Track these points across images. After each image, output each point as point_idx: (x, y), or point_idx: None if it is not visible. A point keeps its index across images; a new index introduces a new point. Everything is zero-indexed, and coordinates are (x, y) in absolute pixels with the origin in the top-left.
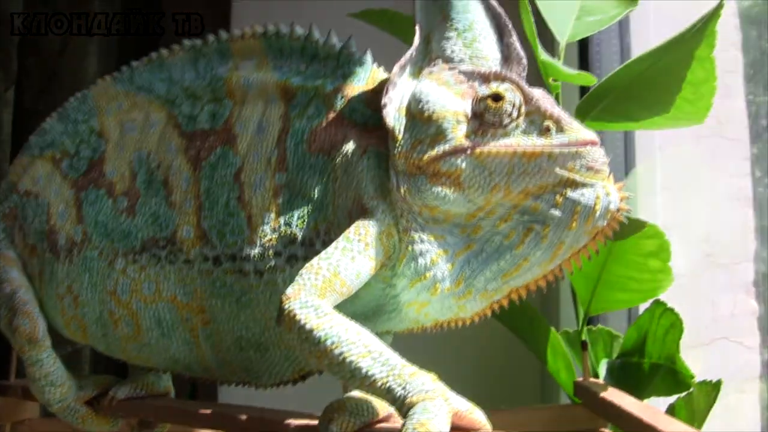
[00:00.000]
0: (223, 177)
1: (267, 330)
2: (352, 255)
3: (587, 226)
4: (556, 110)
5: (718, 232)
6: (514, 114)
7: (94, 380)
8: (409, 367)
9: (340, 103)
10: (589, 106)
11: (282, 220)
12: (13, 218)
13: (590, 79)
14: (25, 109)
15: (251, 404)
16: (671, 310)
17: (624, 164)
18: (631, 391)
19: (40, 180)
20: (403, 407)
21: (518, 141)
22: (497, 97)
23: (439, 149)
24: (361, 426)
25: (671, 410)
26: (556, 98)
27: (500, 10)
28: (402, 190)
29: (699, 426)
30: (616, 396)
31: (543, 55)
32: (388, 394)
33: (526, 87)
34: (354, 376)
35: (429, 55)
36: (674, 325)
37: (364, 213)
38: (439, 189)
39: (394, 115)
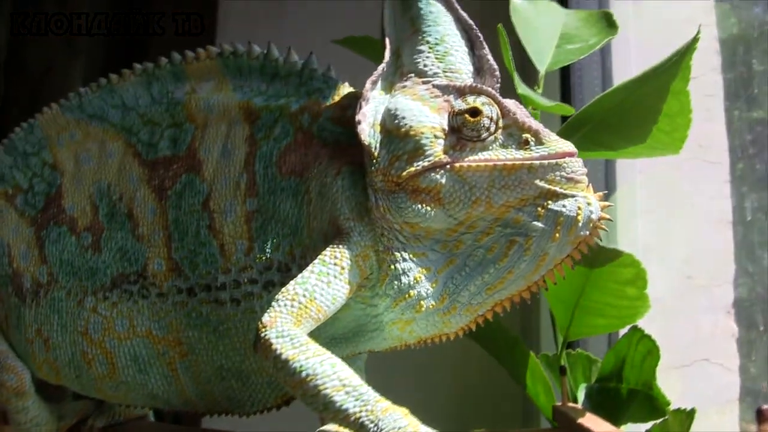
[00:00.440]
0: (191, 205)
1: (247, 358)
2: (328, 279)
3: (570, 236)
4: (534, 122)
5: (698, 255)
6: (492, 128)
7: (73, 407)
8: (383, 403)
9: (307, 123)
10: (568, 134)
11: (256, 246)
12: None
13: (568, 110)
14: (11, 130)
15: (235, 429)
16: (648, 336)
17: (605, 188)
18: (608, 416)
19: None
20: None
21: (497, 154)
22: (474, 112)
23: (418, 165)
24: None
25: None
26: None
27: (471, 22)
28: (382, 208)
29: None
30: (592, 422)
31: (521, 87)
32: (360, 429)
33: (502, 100)
34: (327, 410)
35: (400, 69)
36: (651, 351)
37: (339, 234)
38: (419, 206)
39: (368, 131)
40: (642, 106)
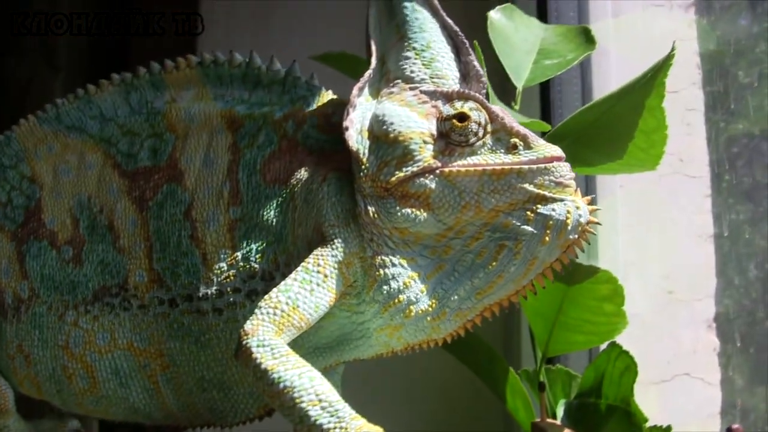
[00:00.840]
0: (173, 215)
1: (229, 368)
2: (311, 287)
3: (560, 239)
4: (522, 127)
5: (679, 269)
6: (480, 132)
7: (50, 427)
8: (358, 420)
9: (292, 130)
10: None
11: (239, 255)
12: None
13: (544, 126)
14: None
15: None
16: (626, 352)
17: None
18: None
19: None
20: None
21: (486, 159)
22: (462, 117)
23: (407, 170)
24: None
25: None
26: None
27: (456, 28)
28: (371, 214)
29: None
30: None
31: (497, 104)
32: None
33: (489, 105)
34: (302, 423)
35: (386, 76)
36: (629, 367)
37: (323, 241)
38: (409, 210)
39: (356, 137)
40: (618, 122)
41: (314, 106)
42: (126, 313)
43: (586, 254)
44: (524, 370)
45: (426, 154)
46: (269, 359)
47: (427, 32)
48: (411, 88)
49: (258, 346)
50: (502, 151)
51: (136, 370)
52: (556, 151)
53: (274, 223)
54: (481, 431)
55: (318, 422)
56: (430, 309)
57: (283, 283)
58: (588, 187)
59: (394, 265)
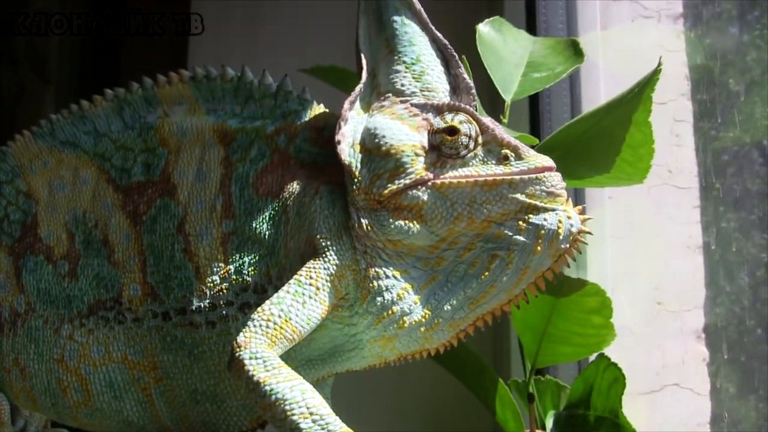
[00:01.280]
0: (166, 229)
1: (222, 381)
2: (303, 300)
3: (552, 249)
4: (512, 139)
5: (668, 280)
6: (471, 145)
7: None
8: None
9: (284, 144)
10: None
11: (232, 268)
12: None
13: (531, 140)
14: None
15: None
16: (615, 364)
17: None
18: None
19: None
20: None
21: (478, 170)
22: (452, 131)
23: (400, 183)
24: None
25: None
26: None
27: (446, 42)
28: (365, 226)
29: None
30: None
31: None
32: None
33: (480, 117)
34: None
35: (377, 89)
36: (617, 379)
37: (315, 254)
38: (402, 223)
39: (348, 151)
40: (606, 136)
41: (306, 120)
42: (120, 326)
43: (575, 265)
44: (514, 381)
45: (418, 167)
46: (261, 371)
47: (417, 46)
48: (402, 102)
49: (251, 358)
50: (494, 162)
51: (130, 383)
52: (547, 161)
53: (266, 237)
54: None
55: None
56: (424, 320)
57: (275, 295)
58: (577, 199)
59: (387, 276)
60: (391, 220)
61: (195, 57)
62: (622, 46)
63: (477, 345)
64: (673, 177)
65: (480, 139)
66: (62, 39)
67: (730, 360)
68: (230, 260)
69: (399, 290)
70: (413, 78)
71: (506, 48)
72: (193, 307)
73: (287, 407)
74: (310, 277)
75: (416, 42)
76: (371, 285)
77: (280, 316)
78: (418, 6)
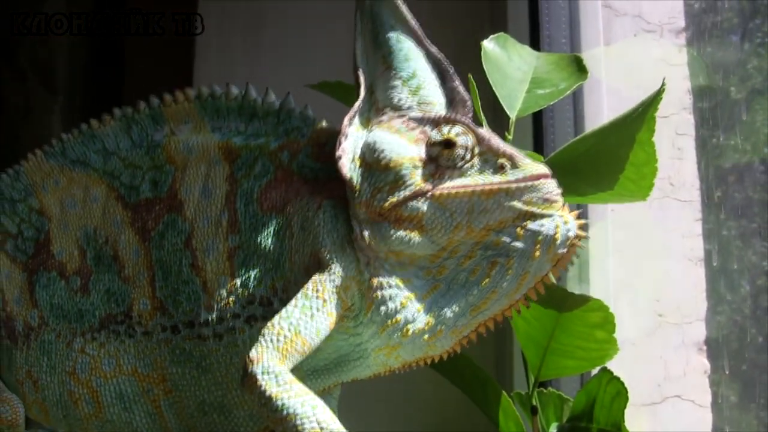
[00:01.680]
0: (174, 245)
1: (229, 392)
2: (311, 312)
3: (550, 254)
4: (508, 147)
5: (670, 292)
6: (468, 156)
7: None
8: None
9: (287, 160)
10: None
11: (238, 281)
12: None
13: (537, 157)
14: None
15: None
16: (617, 378)
17: None
18: None
19: None
20: None
21: (475, 180)
22: (449, 143)
23: (400, 195)
24: None
25: None
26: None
27: (440, 56)
28: (367, 239)
29: None
30: None
31: None
32: None
33: (476, 128)
34: None
35: (375, 105)
36: (620, 393)
37: (320, 267)
38: (403, 233)
39: (349, 166)
40: (609, 154)
41: (308, 136)
42: (131, 339)
43: (578, 277)
44: (517, 393)
45: (417, 179)
46: (273, 386)
47: (412, 61)
48: (399, 116)
49: (263, 373)
50: (491, 171)
51: (139, 395)
52: (542, 168)
53: (271, 251)
54: None
55: None
56: (427, 327)
57: (284, 310)
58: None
59: (390, 286)
60: (392, 231)
61: (200, 71)
62: (624, 61)
63: (480, 357)
64: (675, 190)
65: (476, 150)
66: (70, 50)
67: (732, 371)
68: (236, 274)
69: (402, 299)
70: (410, 92)
71: (511, 64)
72: (201, 321)
73: (298, 422)
74: (317, 290)
75: (412, 57)
76: (375, 295)
77: (289, 330)
78: (413, 23)
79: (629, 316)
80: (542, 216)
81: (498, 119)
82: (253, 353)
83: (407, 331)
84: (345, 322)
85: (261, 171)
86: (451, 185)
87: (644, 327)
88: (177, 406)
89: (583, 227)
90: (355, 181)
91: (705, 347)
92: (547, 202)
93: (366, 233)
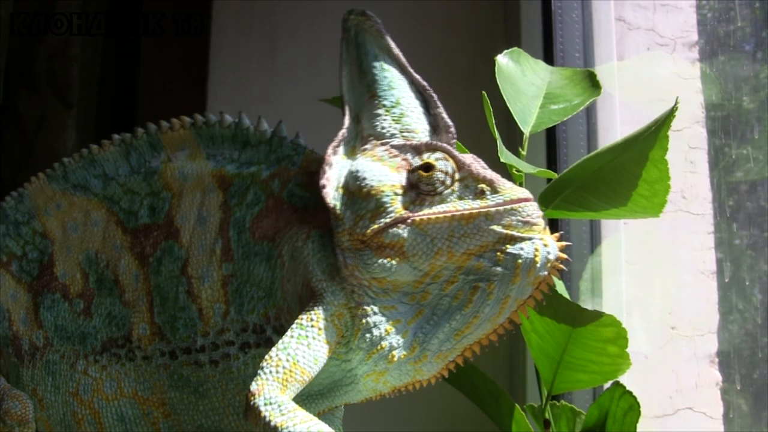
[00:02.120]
0: (171, 271)
1: (226, 417)
2: (308, 342)
3: (530, 277)
4: (488, 173)
5: (682, 305)
6: (448, 181)
7: None
8: None
9: (277, 189)
10: (552, 195)
11: (232, 309)
12: None
13: (551, 174)
14: (4, 184)
15: None
16: (630, 392)
17: (590, 239)
18: None
19: None
20: None
21: (455, 206)
22: (428, 167)
23: (381, 222)
24: None
25: None
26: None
27: (424, 83)
28: (350, 266)
29: None
30: None
31: (504, 155)
32: None
33: (457, 154)
34: None
35: (361, 134)
36: (632, 407)
37: (313, 296)
38: (385, 260)
39: (333, 194)
40: (622, 171)
41: (299, 165)
42: (131, 363)
43: (591, 291)
44: (529, 406)
45: (397, 206)
46: (278, 416)
47: (396, 89)
48: (382, 144)
49: (266, 404)
50: (471, 197)
51: (140, 417)
52: (523, 193)
53: (263, 279)
54: None
55: None
56: (412, 353)
57: (280, 341)
58: (592, 225)
59: (375, 313)
60: (374, 258)
61: (214, 84)
62: (637, 75)
63: (493, 371)
64: (688, 203)
65: (457, 175)
66: (83, 63)
67: (744, 383)
68: (230, 302)
69: (387, 326)
70: (393, 120)
71: (524, 79)
72: (197, 347)
73: None
74: (311, 319)
75: (395, 86)
76: (361, 322)
77: (288, 360)
78: (397, 51)
79: (642, 328)
80: (522, 239)
81: (512, 134)
82: (253, 386)
83: (393, 357)
84: (338, 348)
85: (253, 199)
86: (431, 211)
87: (656, 339)
88: (176, 429)
89: (565, 249)
90: (338, 210)
91: (717, 359)
92: (528, 224)
93: (349, 261)
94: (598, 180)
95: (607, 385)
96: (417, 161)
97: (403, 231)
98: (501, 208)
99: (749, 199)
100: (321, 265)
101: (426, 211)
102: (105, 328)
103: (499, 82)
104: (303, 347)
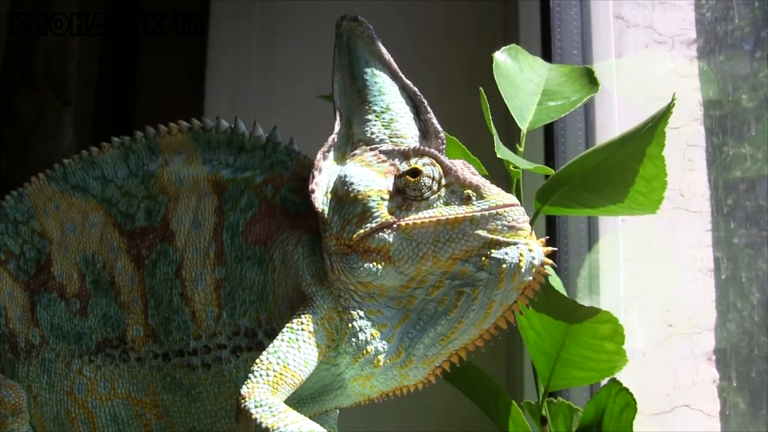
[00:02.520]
0: (166, 274)
1: (218, 420)
2: (298, 345)
3: (514, 282)
4: (475, 179)
5: (679, 303)
6: (434, 186)
7: None
8: None
9: (270, 194)
10: (549, 192)
11: (225, 313)
12: None
13: (548, 170)
14: (2, 181)
15: None
16: (626, 389)
17: (588, 237)
18: None
19: None
20: None
21: (441, 211)
22: (415, 173)
23: (367, 227)
24: None
25: None
26: (516, 184)
27: (415, 89)
28: (336, 271)
29: None
30: None
31: (500, 151)
32: None
33: (445, 160)
34: None
35: (352, 139)
36: (629, 404)
37: (303, 300)
38: (371, 265)
39: (321, 199)
40: (619, 168)
41: (292, 170)
42: (125, 364)
43: (588, 288)
44: (527, 403)
45: (383, 211)
46: (269, 417)
47: (387, 95)
48: (371, 149)
49: (256, 407)
50: (457, 203)
51: (133, 418)
52: (509, 198)
53: (255, 283)
54: None
55: None
56: (398, 358)
57: (271, 345)
58: (590, 223)
59: (361, 317)
60: (360, 262)
61: (212, 81)
62: (636, 72)
63: (492, 368)
64: (686, 201)
65: (443, 181)
66: (81, 60)
67: (741, 380)
68: (223, 305)
69: (372, 330)
70: (383, 126)
71: (522, 76)
72: (190, 350)
73: None
74: (302, 323)
75: (386, 91)
76: (347, 326)
77: (278, 363)
78: (388, 57)
79: (639, 326)
80: (507, 244)
81: (511, 131)
82: (244, 390)
83: (378, 361)
84: (328, 351)
85: (246, 204)
86: (416, 216)
87: (654, 337)
88: (168, 431)
89: (551, 255)
90: (326, 214)
91: (714, 357)
92: (513, 229)
93: (335, 265)
94: (594, 177)
95: (605, 382)
96: (404, 166)
97: (389, 236)
98: (486, 212)
99: (747, 197)
100: (311, 269)
101: (412, 216)
102: (100, 329)
103: (496, 79)
104: (293, 350)
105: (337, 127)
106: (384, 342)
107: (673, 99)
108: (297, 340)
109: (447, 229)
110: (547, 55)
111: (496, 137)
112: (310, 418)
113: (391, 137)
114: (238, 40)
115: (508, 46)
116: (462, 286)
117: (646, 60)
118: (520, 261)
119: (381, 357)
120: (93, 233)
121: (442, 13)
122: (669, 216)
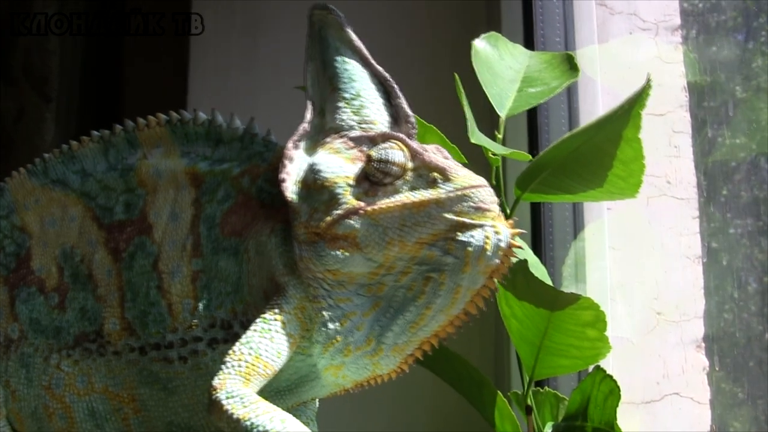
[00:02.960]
0: (143, 267)
1: (196, 414)
2: (271, 335)
3: (480, 266)
4: (442, 162)
5: (667, 290)
6: (401, 172)
7: None
8: None
9: (247, 185)
10: (529, 179)
11: (201, 305)
12: None
13: (524, 156)
14: None
15: None
16: (610, 376)
17: (573, 225)
18: None
19: None
20: None
21: (407, 195)
22: (382, 159)
23: (334, 214)
24: None
25: None
26: (496, 171)
27: (386, 75)
28: (305, 259)
29: None
30: None
31: (474, 136)
32: None
33: (413, 144)
34: None
35: (324, 127)
36: (613, 391)
37: (277, 290)
38: (338, 252)
39: (292, 188)
40: (597, 152)
41: (269, 162)
42: (102, 358)
43: (574, 276)
44: (513, 393)
45: (350, 197)
46: (240, 408)
47: (357, 81)
48: (341, 136)
49: (227, 398)
50: (423, 186)
51: (110, 413)
52: (476, 179)
53: (231, 275)
54: None
55: None
56: (368, 347)
57: (244, 335)
58: (575, 211)
59: (330, 306)
60: (327, 250)
61: (196, 74)
62: (619, 59)
63: (479, 358)
64: (672, 188)
65: (410, 165)
66: (62, 56)
67: (730, 368)
68: (199, 297)
69: (342, 318)
70: (352, 112)
71: (502, 63)
72: (166, 343)
73: None
74: (275, 313)
75: (356, 78)
76: (317, 315)
77: (250, 354)
78: (359, 43)
79: (627, 314)
80: (473, 226)
81: (495, 119)
82: (216, 381)
83: (348, 350)
84: (302, 342)
85: (224, 196)
86: (383, 202)
87: (642, 325)
88: (146, 425)
89: (519, 236)
90: (296, 203)
91: (703, 344)
92: (480, 210)
93: (304, 254)
94: (573, 161)
95: (591, 369)
96: (371, 152)
97: (355, 222)
98: (452, 194)
99: (734, 183)
100: (283, 259)
101: (379, 201)
102: (78, 323)
103: (475, 67)
104: (266, 341)
105: (308, 116)
106: (354, 330)
107: (648, 80)
108: (269, 330)
109: (413, 213)
110: (529, 43)
111: (470, 122)
112: (288, 409)
113: (361, 123)
114: (220, 30)
115: (487, 34)
116: (429, 272)
117: (629, 46)
118: (485, 244)
119: (351, 346)
120: (72, 227)
121: (425, 1)
122: (655, 203)
